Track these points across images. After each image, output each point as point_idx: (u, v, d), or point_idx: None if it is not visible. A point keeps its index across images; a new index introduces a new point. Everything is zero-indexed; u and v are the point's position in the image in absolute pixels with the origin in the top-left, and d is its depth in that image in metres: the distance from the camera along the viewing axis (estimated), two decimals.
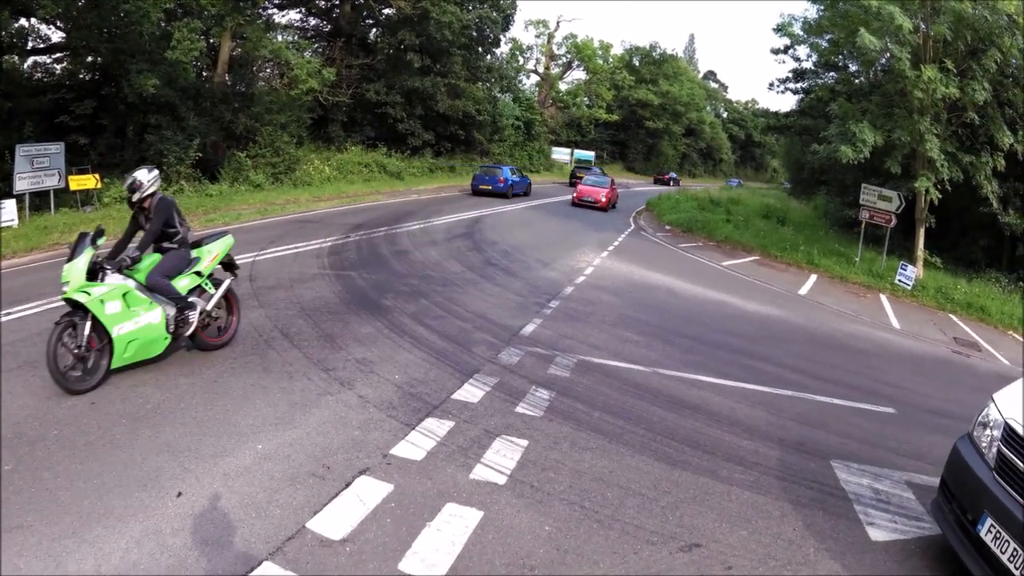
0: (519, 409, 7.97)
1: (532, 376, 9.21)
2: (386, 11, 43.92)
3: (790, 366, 11.86)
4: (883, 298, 21.88)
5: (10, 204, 18.22)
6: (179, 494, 5.46)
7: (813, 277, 23.64)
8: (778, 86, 40.05)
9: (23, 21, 25.37)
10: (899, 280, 23.26)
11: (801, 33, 31.25)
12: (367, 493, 5.70)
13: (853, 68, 32.19)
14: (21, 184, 19.30)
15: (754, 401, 9.52)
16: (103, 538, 4.84)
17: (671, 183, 78.04)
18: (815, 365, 12.33)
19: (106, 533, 4.90)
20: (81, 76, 30.24)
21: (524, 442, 7.02)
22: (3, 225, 17.52)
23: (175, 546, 4.82)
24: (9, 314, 9.91)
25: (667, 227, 33.61)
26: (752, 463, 7.35)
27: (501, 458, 6.60)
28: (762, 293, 19.22)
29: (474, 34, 46.61)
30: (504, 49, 62.81)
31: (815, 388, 10.67)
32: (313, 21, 46.85)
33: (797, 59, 36.48)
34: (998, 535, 4.93)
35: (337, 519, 5.29)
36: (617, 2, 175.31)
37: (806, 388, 10.57)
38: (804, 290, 20.97)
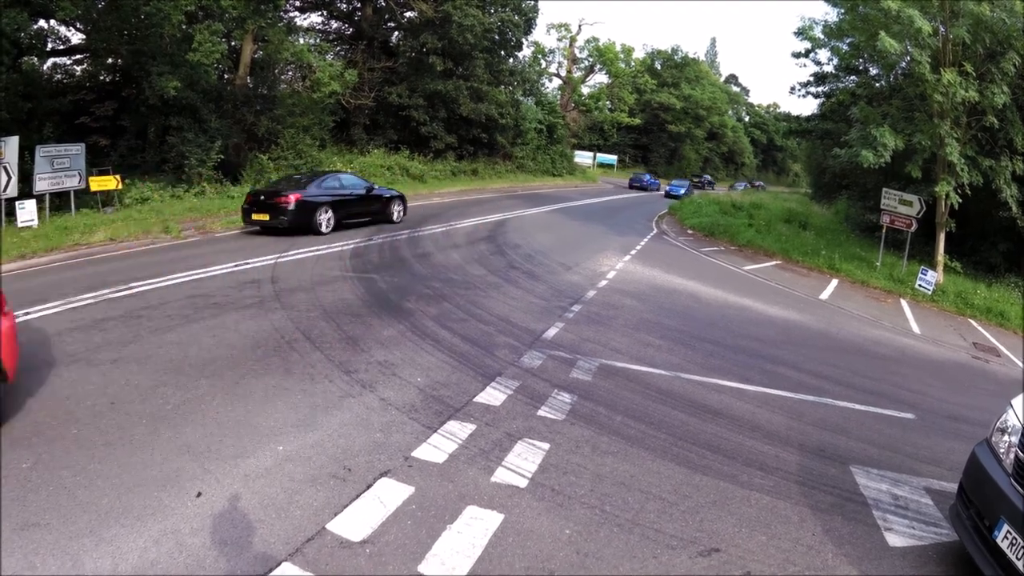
0: (541, 412, 7.92)
1: (554, 380, 9.15)
2: (408, 14, 44.05)
3: (811, 371, 11.75)
4: (903, 303, 21.70)
5: (30, 204, 18.33)
6: (199, 494, 5.44)
7: (834, 282, 23.48)
8: (799, 90, 40.09)
9: (42, 23, 25.51)
10: (919, 285, 23.10)
11: (822, 37, 30.93)
12: (388, 495, 5.67)
13: (873, 72, 32.05)
14: (41, 185, 19.49)
15: (775, 406, 9.43)
16: (121, 537, 4.83)
17: (705, 186, 79.34)
18: (836, 370, 12.20)
19: (124, 532, 4.89)
20: (101, 78, 30.46)
21: (546, 445, 6.97)
22: (24, 225, 17.62)
23: (194, 546, 4.80)
24: (28, 314, 9.89)
25: (689, 231, 33.51)
26: (772, 468, 7.27)
27: (522, 461, 6.55)
28: (784, 298, 19.09)
29: (496, 37, 46.61)
30: (526, 52, 62.79)
31: (835, 393, 10.56)
32: (335, 24, 47.06)
33: (818, 63, 36.16)
34: (1014, 541, 4.85)
35: (357, 521, 5.26)
36: (639, 5, 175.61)
37: (826, 393, 10.46)
38: (825, 295, 20.82)
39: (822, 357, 13.05)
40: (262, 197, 19.72)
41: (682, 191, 59.36)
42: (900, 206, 24.84)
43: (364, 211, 22.53)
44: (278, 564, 4.69)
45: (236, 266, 14.11)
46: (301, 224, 19.38)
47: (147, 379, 7.67)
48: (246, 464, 5.97)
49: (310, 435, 6.64)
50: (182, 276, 12.98)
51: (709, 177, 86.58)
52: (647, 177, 69.66)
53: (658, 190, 65.11)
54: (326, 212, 20.17)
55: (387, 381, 8.33)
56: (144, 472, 5.70)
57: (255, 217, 19.53)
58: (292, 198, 19.30)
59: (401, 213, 24.34)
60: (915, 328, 18.19)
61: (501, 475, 6.24)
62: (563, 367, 9.74)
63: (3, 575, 4.32)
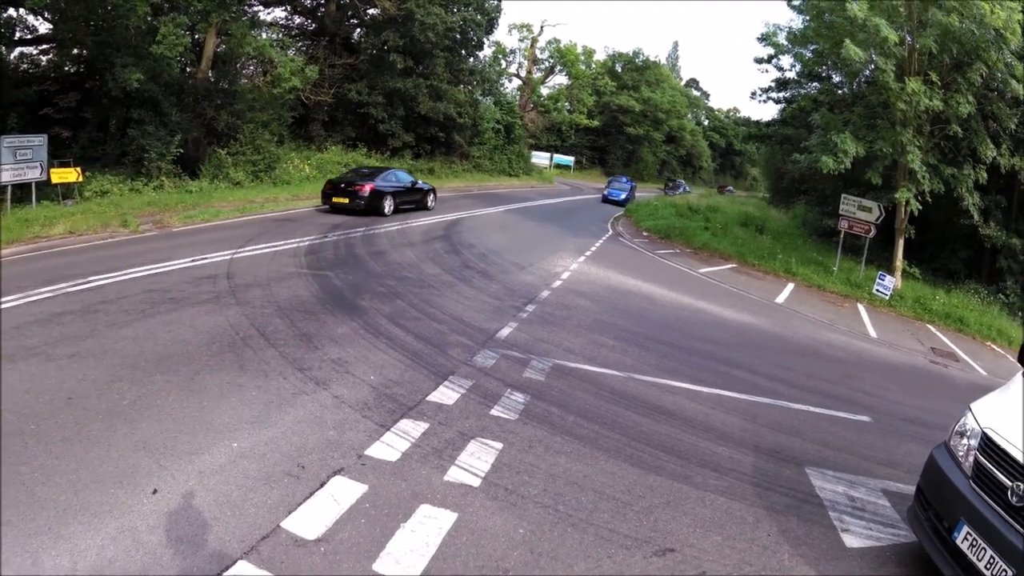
0: (494, 412, 8.03)
1: (507, 379, 9.25)
2: (371, 11, 43.72)
3: (766, 373, 11.95)
4: (861, 307, 22.06)
5: None
6: (155, 491, 5.50)
7: (790, 286, 23.76)
8: (760, 95, 40.32)
9: (11, 11, 25.20)
10: (877, 290, 23.48)
11: (785, 43, 31.31)
12: (341, 493, 5.75)
13: (837, 79, 32.58)
14: (3, 176, 19.27)
15: (729, 408, 9.60)
16: (79, 534, 4.87)
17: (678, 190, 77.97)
18: (791, 373, 12.41)
19: (82, 529, 4.93)
20: (66, 68, 30.01)
21: (499, 445, 7.07)
22: None
23: (150, 543, 4.86)
24: None
25: (645, 233, 33.70)
26: (727, 469, 7.42)
27: (476, 460, 6.65)
28: (739, 300, 19.32)
29: (458, 36, 46.49)
30: (487, 52, 62.65)
31: (791, 396, 10.76)
32: (298, 20, 46.56)
33: (780, 69, 36.77)
34: (975, 542, 5.03)
35: (312, 519, 5.34)
36: (603, 6, 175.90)
37: (782, 396, 10.66)
38: (781, 298, 21.09)
39: (777, 360, 13.29)
40: (342, 185, 25.32)
41: (623, 195, 51.05)
42: (859, 212, 25.26)
43: (411, 200, 28.17)
44: (234, 562, 4.75)
45: (193, 261, 14.05)
46: (372, 207, 24.93)
47: (104, 374, 7.69)
48: (201, 461, 6.02)
49: (264, 432, 6.69)
50: (139, 270, 12.91)
51: (683, 182, 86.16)
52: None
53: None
54: (389, 199, 25.92)
55: (340, 379, 8.40)
56: (101, 468, 5.73)
57: (335, 200, 24.94)
58: (367, 187, 24.91)
59: (433, 201, 30.10)
60: (872, 332, 18.56)
61: (454, 474, 6.33)
62: (516, 367, 9.85)
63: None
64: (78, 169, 21.73)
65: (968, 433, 5.69)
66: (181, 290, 11.76)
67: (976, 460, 5.42)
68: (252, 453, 6.24)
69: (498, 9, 50.68)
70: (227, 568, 4.69)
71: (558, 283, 16.81)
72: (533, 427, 7.74)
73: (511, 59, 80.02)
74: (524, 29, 78.66)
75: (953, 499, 5.44)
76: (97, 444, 6.11)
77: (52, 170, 20.77)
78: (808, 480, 7.50)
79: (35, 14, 27.06)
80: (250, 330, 9.87)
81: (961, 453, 5.67)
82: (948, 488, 5.54)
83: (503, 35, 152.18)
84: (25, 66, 30.13)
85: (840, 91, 31.57)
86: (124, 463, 5.85)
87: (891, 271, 25.29)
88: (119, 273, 12.58)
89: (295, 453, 6.33)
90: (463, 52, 49.43)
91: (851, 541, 6.27)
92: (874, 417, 10.55)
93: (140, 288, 11.68)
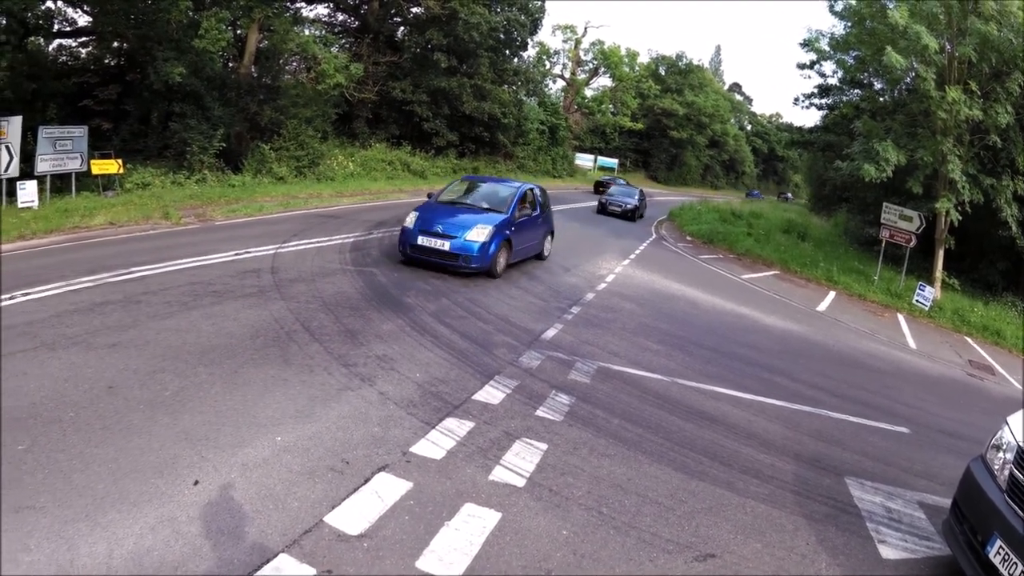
0: (539, 413, 7.95)
1: (553, 380, 9.18)
2: (414, 10, 43.90)
3: (807, 382, 11.79)
4: (900, 318, 21.73)
5: (31, 185, 18.24)
6: (196, 482, 5.42)
7: (832, 294, 23.53)
8: (803, 101, 39.88)
9: (49, 3, 25.49)
10: (917, 300, 23.15)
11: (828, 49, 31.01)
12: (386, 490, 5.67)
13: (878, 86, 32.10)
14: (43, 166, 19.39)
15: (771, 415, 9.47)
16: (117, 522, 4.80)
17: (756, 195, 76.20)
18: (832, 382, 12.25)
19: (120, 518, 4.86)
20: (107, 61, 30.38)
21: (544, 446, 6.99)
22: (24, 205, 17.54)
23: (190, 534, 4.79)
24: (28, 295, 9.84)
25: (688, 238, 33.58)
26: (768, 476, 7.31)
27: (520, 461, 6.57)
28: (781, 307, 19.13)
29: (501, 36, 46.51)
30: (531, 52, 62.81)
31: (831, 405, 10.62)
32: (341, 17, 46.85)
33: (823, 75, 36.17)
34: (1007, 557, 4.96)
35: (355, 514, 5.27)
36: (646, 8, 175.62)
37: (822, 404, 10.52)
38: (823, 306, 20.85)
39: (818, 368, 13.09)
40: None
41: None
42: (900, 221, 24.92)
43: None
44: (275, 555, 4.68)
45: (236, 255, 14.03)
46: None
47: (146, 364, 7.63)
48: (244, 454, 5.95)
49: (308, 427, 6.62)
50: (182, 263, 12.89)
51: (758, 191, 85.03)
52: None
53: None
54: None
55: (386, 375, 8.32)
56: (141, 458, 5.67)
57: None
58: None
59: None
60: (911, 343, 18.23)
61: (499, 474, 6.25)
62: (561, 368, 9.77)
63: (3, 575, 4.30)
64: (119, 161, 21.81)
65: (1004, 447, 5.63)
66: (225, 283, 11.71)
67: (1011, 474, 5.34)
68: (296, 447, 6.17)
69: (542, 10, 50.74)
70: (268, 561, 4.62)
71: (603, 286, 16.73)
72: (578, 429, 7.65)
73: (555, 60, 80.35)
74: (568, 30, 78.88)
75: (988, 512, 5.38)
76: (138, 434, 6.04)
77: (92, 161, 20.88)
78: (847, 490, 7.40)
79: (74, 6, 27.36)
80: (295, 325, 9.81)
81: (997, 467, 5.61)
82: (983, 501, 5.50)
83: (547, 36, 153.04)
84: (64, 58, 30.51)
85: (882, 98, 31.15)
86: (165, 453, 5.78)
87: (931, 282, 24.95)
88: (162, 264, 12.57)
89: (339, 448, 6.24)
90: (507, 52, 49.46)
91: (887, 552, 6.18)
92: (912, 428, 10.38)
93: (183, 280, 11.66)
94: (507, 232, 15.23)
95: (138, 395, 6.79)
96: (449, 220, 14.79)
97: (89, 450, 5.69)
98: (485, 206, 15.79)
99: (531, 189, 17.60)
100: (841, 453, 8.53)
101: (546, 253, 19.06)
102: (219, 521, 4.97)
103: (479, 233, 14.40)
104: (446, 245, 14.18)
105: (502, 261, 15.25)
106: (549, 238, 19.33)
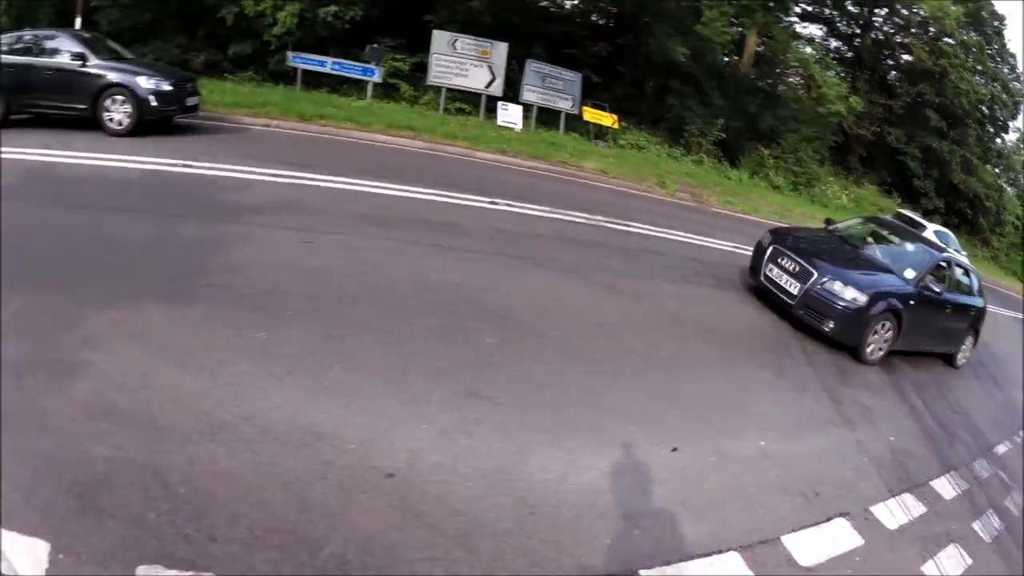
0: (975, 525, 7.45)
1: (992, 499, 8.53)
2: (905, 57, 41.98)
3: None
4: None
5: (514, 108, 19.56)
6: (674, 449, 5.60)
7: None
8: None
9: None
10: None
11: None
12: (842, 536, 5.59)
13: None
14: (529, 95, 20.87)
15: None
16: (580, 450, 5.15)
17: None
18: None
19: (583, 446, 5.21)
20: (593, 18, 30.89)
21: (970, 560, 6.58)
22: (504, 124, 18.75)
23: (657, 494, 5.01)
24: (511, 206, 10.60)
25: None
26: None
27: (950, 564, 6.28)
28: None
29: (985, 111, 43.34)
30: (1011, 138, 58.06)
31: None
32: (834, 44, 45.67)
33: None
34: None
35: (810, 546, 5.22)
36: None
37: None
38: None
39: None
40: None
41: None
42: None
43: None
44: (728, 549, 4.73)
45: (736, 247, 14.01)
46: None
47: (643, 319, 8.07)
48: (727, 442, 6.07)
49: (792, 444, 6.66)
50: (681, 236, 13.25)
51: None
52: None
53: None
54: None
55: (866, 426, 8.19)
56: (623, 403, 6.00)
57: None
58: None
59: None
60: None
61: (930, 568, 6.01)
62: (1000, 491, 9.05)
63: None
64: (615, 116, 22.73)
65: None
66: (724, 272, 11.82)
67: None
68: (777, 459, 6.22)
69: (1022, 93, 46.64)
70: (719, 552, 4.69)
71: None
72: (998, 556, 7.15)
73: None
74: None
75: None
76: (624, 378, 6.40)
77: (585, 108, 21.98)
78: None
79: None
80: (791, 339, 9.81)
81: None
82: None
83: None
84: (546, 3, 30.64)
85: None
86: (650, 410, 6.05)
87: None
88: (658, 229, 13.05)
89: (814, 478, 6.21)
90: (991, 129, 46.10)
91: None
92: None
93: (684, 253, 12.02)
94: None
95: (631, 344, 7.19)
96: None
97: (569, 373, 6.14)
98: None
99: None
100: None
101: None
102: (684, 494, 5.13)
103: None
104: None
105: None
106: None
